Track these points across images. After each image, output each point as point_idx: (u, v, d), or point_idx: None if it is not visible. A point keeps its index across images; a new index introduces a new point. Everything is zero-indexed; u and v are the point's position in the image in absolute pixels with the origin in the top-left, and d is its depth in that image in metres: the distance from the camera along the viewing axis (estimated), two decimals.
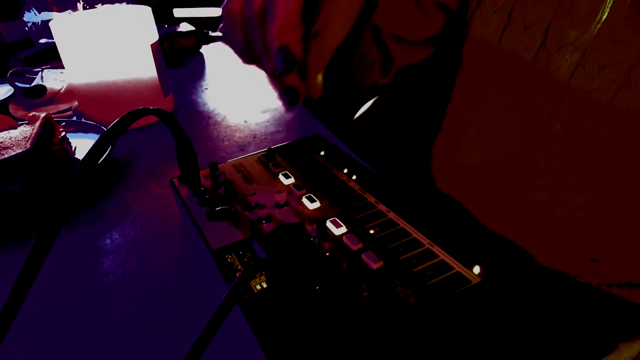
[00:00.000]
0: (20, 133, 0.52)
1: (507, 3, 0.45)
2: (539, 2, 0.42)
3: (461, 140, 0.56)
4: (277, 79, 0.39)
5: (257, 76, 0.88)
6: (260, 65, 0.41)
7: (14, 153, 0.47)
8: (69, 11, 0.74)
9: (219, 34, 1.13)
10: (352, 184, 0.42)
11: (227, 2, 0.40)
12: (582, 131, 0.41)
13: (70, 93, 0.79)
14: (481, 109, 0.52)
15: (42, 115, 0.53)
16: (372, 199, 0.39)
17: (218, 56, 1.01)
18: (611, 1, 0.36)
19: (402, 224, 0.36)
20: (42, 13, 1.03)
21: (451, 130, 0.58)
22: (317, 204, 0.39)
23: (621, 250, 0.44)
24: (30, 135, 0.49)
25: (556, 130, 0.43)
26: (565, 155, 0.43)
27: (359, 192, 0.40)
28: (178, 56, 0.96)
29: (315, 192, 0.41)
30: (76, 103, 0.73)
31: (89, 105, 0.67)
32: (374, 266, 0.31)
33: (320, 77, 0.41)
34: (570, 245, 0.46)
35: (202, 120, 0.70)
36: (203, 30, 1.04)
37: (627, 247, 0.43)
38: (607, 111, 0.39)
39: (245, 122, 0.69)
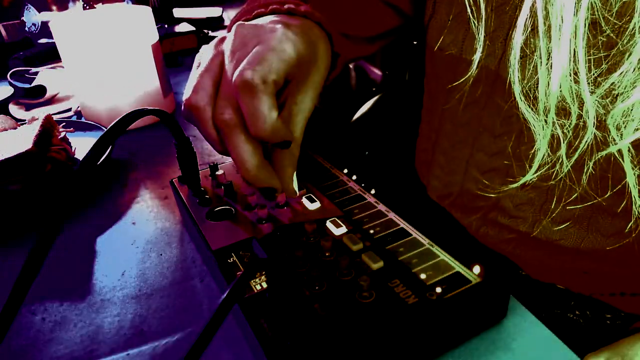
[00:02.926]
0: (20, 133, 0.52)
1: (463, 11, 0.42)
2: (494, 11, 0.40)
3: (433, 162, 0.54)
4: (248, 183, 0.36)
5: None
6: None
7: (14, 153, 0.47)
8: (70, 3, 0.74)
9: (218, 33, 1.13)
10: (352, 184, 0.42)
11: (190, 95, 0.35)
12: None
13: (70, 93, 0.80)
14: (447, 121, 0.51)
15: (42, 115, 0.53)
16: (372, 199, 0.39)
17: None
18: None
19: (402, 224, 0.36)
20: (41, 13, 1.03)
21: (426, 138, 0.57)
22: (317, 204, 0.39)
23: (609, 263, 0.43)
24: (30, 135, 0.49)
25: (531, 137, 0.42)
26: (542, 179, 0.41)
27: (359, 192, 0.40)
28: (178, 56, 0.96)
29: (315, 192, 0.41)
30: (76, 103, 0.73)
31: (89, 105, 0.67)
32: (374, 266, 0.31)
33: (294, 178, 0.38)
34: (558, 261, 0.46)
35: None
36: (203, 30, 1.03)
37: (613, 261, 0.43)
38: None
39: None
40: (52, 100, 0.78)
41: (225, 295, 0.24)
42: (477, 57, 0.40)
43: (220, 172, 0.44)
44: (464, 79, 0.42)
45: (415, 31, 0.56)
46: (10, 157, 0.46)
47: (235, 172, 0.46)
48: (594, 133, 0.34)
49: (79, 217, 0.48)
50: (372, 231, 0.35)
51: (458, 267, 0.31)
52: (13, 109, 0.74)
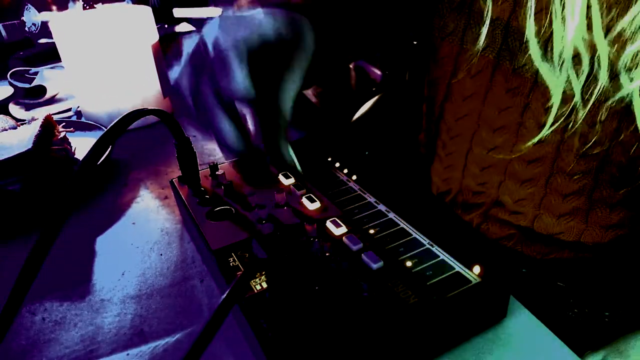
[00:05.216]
0: (20, 133, 0.52)
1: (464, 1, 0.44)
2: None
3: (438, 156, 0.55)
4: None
5: None
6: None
7: (14, 153, 0.47)
8: (70, 3, 0.74)
9: None
10: (352, 184, 0.42)
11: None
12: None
13: (70, 93, 0.80)
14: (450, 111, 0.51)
15: (42, 115, 0.53)
16: (372, 199, 0.39)
17: None
18: None
19: (402, 224, 0.36)
20: (41, 13, 1.03)
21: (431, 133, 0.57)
22: (317, 204, 0.39)
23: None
24: (31, 135, 0.49)
25: (530, 128, 0.43)
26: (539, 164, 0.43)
27: (359, 192, 0.40)
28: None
29: (315, 192, 0.41)
30: (76, 103, 0.73)
31: (89, 106, 0.67)
32: (374, 266, 0.31)
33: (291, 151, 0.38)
34: (559, 256, 0.47)
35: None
36: None
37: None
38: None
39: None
40: (52, 100, 0.78)
41: (225, 295, 0.24)
42: (477, 47, 0.41)
43: (220, 172, 0.44)
44: (463, 70, 0.43)
45: (415, 32, 0.56)
46: (10, 157, 0.46)
47: (236, 172, 0.46)
48: (606, 80, 0.35)
49: (79, 217, 0.48)
50: (372, 231, 0.35)
51: (458, 267, 0.31)
52: (13, 109, 0.74)
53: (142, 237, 0.45)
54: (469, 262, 0.31)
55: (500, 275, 0.30)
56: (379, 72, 1.11)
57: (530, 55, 0.38)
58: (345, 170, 0.44)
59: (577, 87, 0.37)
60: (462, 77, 0.46)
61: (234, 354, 0.31)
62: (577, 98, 0.37)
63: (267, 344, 0.27)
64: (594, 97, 0.36)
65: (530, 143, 0.41)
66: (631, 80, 0.34)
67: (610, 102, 0.36)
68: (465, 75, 0.46)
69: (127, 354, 0.33)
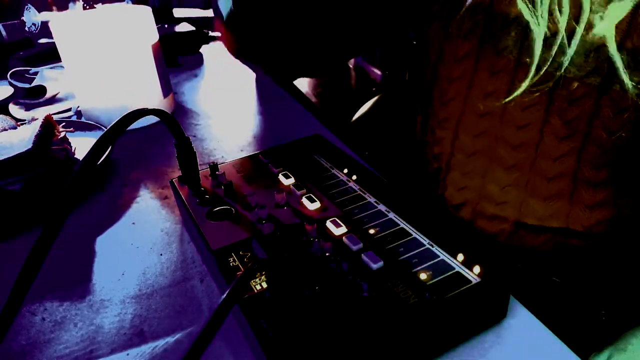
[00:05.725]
0: (20, 133, 0.52)
1: None
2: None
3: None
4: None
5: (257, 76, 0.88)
6: None
7: (14, 153, 0.47)
8: (70, 3, 0.74)
9: (218, 34, 1.13)
10: (352, 184, 0.42)
11: None
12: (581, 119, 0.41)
13: (70, 93, 0.79)
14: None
15: (42, 115, 0.53)
16: (372, 199, 0.39)
17: (218, 56, 1.01)
18: None
19: (402, 224, 0.36)
20: (41, 13, 1.03)
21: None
22: (317, 204, 0.39)
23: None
24: (31, 136, 0.49)
25: (556, 126, 0.43)
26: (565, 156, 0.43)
27: (359, 192, 0.40)
28: (178, 56, 0.96)
29: (315, 192, 0.41)
30: (76, 103, 0.73)
31: (89, 105, 0.67)
32: (374, 266, 0.31)
33: None
34: (550, 243, 0.47)
35: (201, 120, 0.70)
36: (203, 30, 1.03)
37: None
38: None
39: (245, 122, 0.69)
40: (52, 100, 0.78)
41: (225, 295, 0.24)
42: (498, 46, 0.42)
43: (220, 172, 0.44)
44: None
45: (415, 32, 0.56)
46: (10, 157, 0.46)
47: (235, 172, 0.46)
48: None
49: (79, 217, 0.48)
50: (372, 231, 0.35)
51: (458, 267, 0.31)
52: (13, 109, 0.74)
53: (142, 237, 0.45)
54: (469, 262, 0.31)
55: (500, 275, 0.30)
56: (379, 72, 1.11)
57: (512, 37, 0.40)
58: (345, 170, 0.44)
59: (562, 23, 0.37)
60: (448, 61, 0.47)
61: (234, 354, 0.31)
62: (562, 34, 0.37)
63: (267, 344, 0.27)
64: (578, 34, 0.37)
65: (522, 88, 0.41)
66: (601, 18, 0.36)
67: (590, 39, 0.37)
68: (450, 59, 0.47)
69: (127, 354, 0.33)
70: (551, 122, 0.41)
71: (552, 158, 0.42)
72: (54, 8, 1.07)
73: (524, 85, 0.40)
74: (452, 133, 0.49)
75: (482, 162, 0.47)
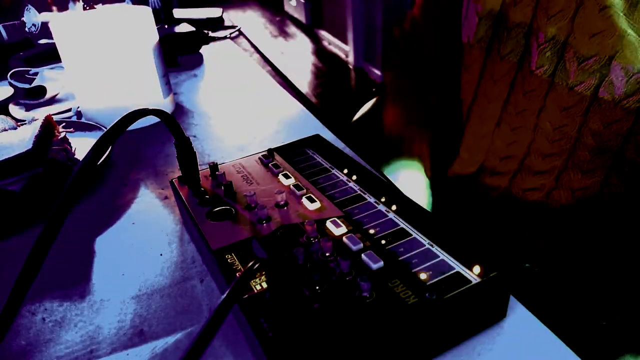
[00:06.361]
0: (20, 133, 0.52)
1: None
2: (518, 4, 0.45)
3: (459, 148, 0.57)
4: None
5: (257, 76, 0.88)
6: None
7: (14, 153, 0.47)
8: (70, 3, 0.74)
9: (218, 34, 1.13)
10: (352, 184, 0.42)
11: None
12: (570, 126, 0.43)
13: (70, 93, 0.79)
14: (476, 112, 0.54)
15: (42, 115, 0.53)
16: (372, 199, 0.39)
17: (218, 56, 1.01)
18: None
19: (402, 224, 0.36)
20: (42, 13, 1.03)
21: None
22: (317, 204, 0.39)
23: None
24: (31, 136, 0.49)
25: (546, 129, 0.44)
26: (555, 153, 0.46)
27: (359, 192, 0.40)
28: (178, 56, 0.96)
29: (315, 192, 0.41)
30: (76, 103, 0.73)
31: (89, 106, 0.67)
32: (374, 266, 0.31)
33: None
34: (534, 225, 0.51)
35: (201, 120, 0.70)
36: (203, 30, 1.03)
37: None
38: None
39: (245, 122, 0.69)
40: (52, 101, 0.78)
41: (225, 295, 0.24)
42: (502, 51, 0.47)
43: (220, 172, 0.44)
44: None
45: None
46: (10, 157, 0.46)
47: (235, 172, 0.46)
48: None
49: (79, 217, 0.48)
50: (372, 231, 0.35)
51: (458, 267, 0.31)
52: (13, 109, 0.74)
53: (142, 237, 0.45)
54: (469, 262, 0.31)
55: (500, 275, 0.30)
56: (379, 72, 1.11)
57: (547, 56, 0.43)
58: (345, 170, 0.44)
59: None
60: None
61: (234, 354, 0.31)
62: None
63: (267, 344, 0.27)
64: None
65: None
66: None
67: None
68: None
69: (127, 354, 0.33)
70: (547, 108, 0.44)
71: (549, 141, 0.45)
72: (54, 8, 1.07)
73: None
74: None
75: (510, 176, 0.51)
